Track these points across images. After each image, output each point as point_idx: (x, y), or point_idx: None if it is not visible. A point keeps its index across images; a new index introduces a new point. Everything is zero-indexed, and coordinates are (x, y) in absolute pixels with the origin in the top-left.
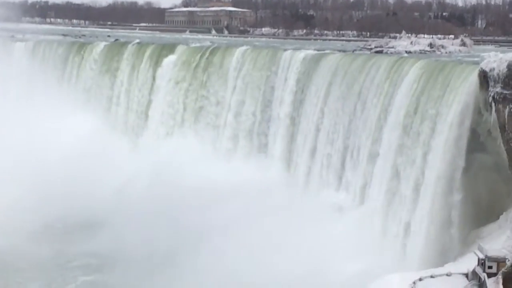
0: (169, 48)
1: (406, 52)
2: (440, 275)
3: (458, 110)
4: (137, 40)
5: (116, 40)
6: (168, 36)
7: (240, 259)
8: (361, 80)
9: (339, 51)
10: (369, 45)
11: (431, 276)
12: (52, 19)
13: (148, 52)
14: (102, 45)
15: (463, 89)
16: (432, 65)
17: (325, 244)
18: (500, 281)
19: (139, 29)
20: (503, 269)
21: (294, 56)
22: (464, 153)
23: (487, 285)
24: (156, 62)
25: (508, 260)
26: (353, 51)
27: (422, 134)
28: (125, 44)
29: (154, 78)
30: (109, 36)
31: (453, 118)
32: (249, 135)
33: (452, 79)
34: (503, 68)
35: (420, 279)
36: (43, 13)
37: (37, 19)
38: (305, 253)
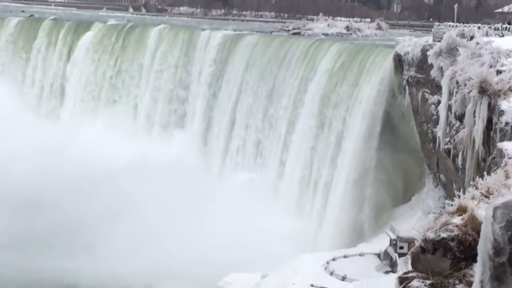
0: (86, 25)
1: (323, 34)
2: (353, 255)
3: (373, 93)
4: (53, 16)
5: (31, 15)
6: (84, 13)
7: (133, 242)
8: (280, 59)
9: (257, 32)
10: (287, 27)
11: (344, 256)
12: None
13: (64, 29)
14: (16, 20)
15: (378, 74)
16: (348, 47)
17: (237, 223)
18: (409, 261)
19: (55, 5)
20: (412, 249)
21: (212, 36)
22: (377, 135)
23: (398, 264)
24: (73, 39)
25: (417, 241)
26: (271, 33)
27: (338, 115)
28: (40, 20)
29: (70, 55)
30: (23, 11)
31: (368, 101)
32: (167, 108)
33: (368, 63)
34: (417, 52)
35: (334, 259)
36: None
37: None
38: (214, 233)
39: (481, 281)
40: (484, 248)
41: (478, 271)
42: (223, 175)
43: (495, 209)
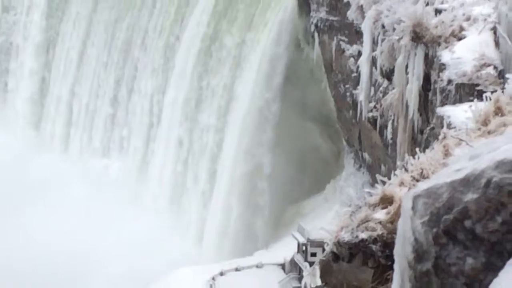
0: None
1: None
2: (249, 267)
3: (269, 43)
4: None
5: None
6: None
7: None
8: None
9: None
10: None
11: (236, 269)
12: None
13: None
14: None
15: (276, 16)
16: None
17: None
18: (317, 273)
19: None
20: (321, 257)
21: None
22: (276, 102)
23: (304, 277)
24: None
25: (327, 245)
26: None
27: (220, 78)
28: None
29: None
30: None
31: (263, 55)
32: None
33: (261, 1)
34: None
35: (222, 274)
36: None
37: None
38: (51, 244)
39: None
40: (402, 252)
41: (396, 283)
42: (65, 162)
43: (415, 198)
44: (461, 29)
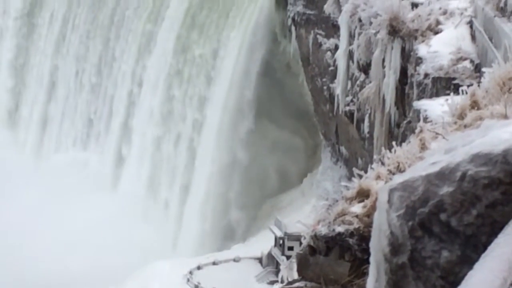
0: None
1: None
2: (226, 261)
3: (246, 38)
4: None
5: None
6: None
7: None
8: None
9: None
10: None
11: (214, 263)
12: None
13: None
14: None
15: (253, 9)
16: None
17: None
18: (294, 266)
19: None
20: (298, 251)
21: None
22: (253, 96)
23: (281, 271)
24: None
25: (304, 238)
26: None
27: (198, 71)
28: None
29: None
30: None
31: (240, 49)
32: None
33: None
34: None
35: (199, 267)
36: None
37: None
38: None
39: None
40: (377, 245)
41: (371, 276)
42: (40, 157)
43: (391, 191)
44: (438, 23)
